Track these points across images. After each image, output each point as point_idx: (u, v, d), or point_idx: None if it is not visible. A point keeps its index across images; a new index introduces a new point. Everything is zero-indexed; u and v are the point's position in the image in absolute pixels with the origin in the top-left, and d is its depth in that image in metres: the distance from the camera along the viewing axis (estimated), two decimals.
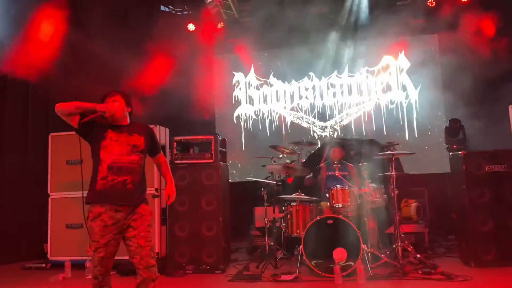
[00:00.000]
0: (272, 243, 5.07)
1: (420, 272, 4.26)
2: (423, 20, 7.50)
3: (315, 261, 4.34)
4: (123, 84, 7.19)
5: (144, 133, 3.27)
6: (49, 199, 5.65)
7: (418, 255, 4.51)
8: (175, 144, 5.31)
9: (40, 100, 6.69)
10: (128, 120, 3.32)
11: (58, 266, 5.19)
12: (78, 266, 5.00)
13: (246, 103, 8.27)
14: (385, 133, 7.56)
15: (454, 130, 6.10)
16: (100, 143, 3.14)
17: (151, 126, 4.88)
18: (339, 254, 4.25)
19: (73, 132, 5.21)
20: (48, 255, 5.58)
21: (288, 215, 4.87)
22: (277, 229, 5.24)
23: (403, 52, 7.70)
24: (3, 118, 6.26)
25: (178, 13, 7.98)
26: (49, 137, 5.78)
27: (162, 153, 3.45)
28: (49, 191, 5.66)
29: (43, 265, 5.48)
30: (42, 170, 5.84)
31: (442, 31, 7.43)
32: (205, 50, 8.15)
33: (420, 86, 7.58)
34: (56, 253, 5.52)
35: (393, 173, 4.60)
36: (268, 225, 5.15)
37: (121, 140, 3.16)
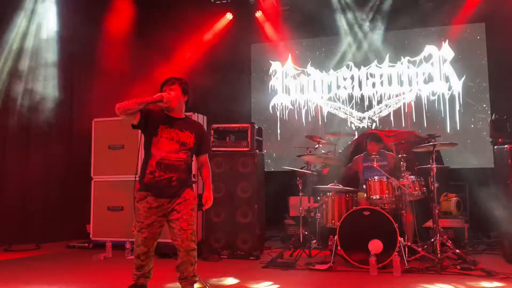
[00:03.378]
0: (306, 232, 5.07)
1: (459, 267, 4.14)
2: (469, 8, 7.17)
3: (350, 252, 4.31)
4: (160, 73, 7.38)
5: (196, 132, 3.33)
6: (92, 182, 5.90)
7: (457, 250, 4.38)
8: (212, 132, 5.39)
9: (84, 86, 6.97)
10: (183, 113, 3.39)
11: (100, 246, 5.44)
12: (119, 247, 5.21)
13: (283, 92, 8.24)
14: (425, 126, 7.35)
15: (500, 123, 5.83)
16: (152, 138, 3.25)
17: (189, 114, 4.99)
18: (374, 245, 4.20)
19: (116, 118, 5.41)
20: (91, 236, 5.84)
21: (324, 205, 4.86)
22: (311, 218, 5.24)
23: (447, 41, 7.41)
24: (52, 106, 6.56)
25: (217, 2, 8.02)
26: (93, 122, 6.00)
27: (207, 156, 3.46)
28: (92, 174, 5.91)
29: (86, 244, 5.76)
30: (86, 154, 6.09)
31: (490, 19, 7.09)
32: (243, 39, 8.18)
33: (464, 77, 7.29)
34: (98, 233, 5.77)
35: (434, 165, 4.48)
36: (303, 215, 5.15)
37: (171, 136, 3.24)
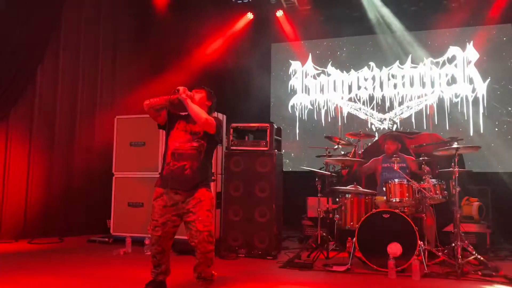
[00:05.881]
0: (324, 234, 5.05)
1: (480, 273, 4.06)
2: (496, 9, 7.02)
3: (368, 254, 4.28)
4: (183, 71, 7.47)
5: None
6: (113, 178, 6.00)
7: (479, 256, 4.30)
8: (231, 131, 5.41)
9: (107, 86, 7.10)
10: None
11: (120, 241, 5.52)
12: (138, 242, 5.29)
13: (302, 92, 8.22)
14: (447, 128, 7.23)
15: None
16: (170, 132, 3.38)
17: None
18: (393, 248, 4.16)
19: (138, 115, 5.52)
20: (111, 231, 5.93)
21: (342, 207, 4.83)
22: (330, 220, 5.21)
23: (471, 42, 7.26)
24: (75, 103, 6.71)
25: (238, 1, 8.05)
26: (115, 119, 6.10)
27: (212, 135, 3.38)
28: (113, 171, 6.01)
29: (106, 239, 5.84)
30: (108, 150, 6.20)
31: None
32: (264, 39, 8.19)
33: (489, 79, 7.13)
34: (118, 229, 5.87)
35: (456, 169, 4.40)
36: (321, 216, 5.13)
37: (186, 128, 3.37)
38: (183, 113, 3.47)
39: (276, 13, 8.04)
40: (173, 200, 3.28)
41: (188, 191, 3.25)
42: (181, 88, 3.31)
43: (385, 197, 4.68)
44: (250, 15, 8.14)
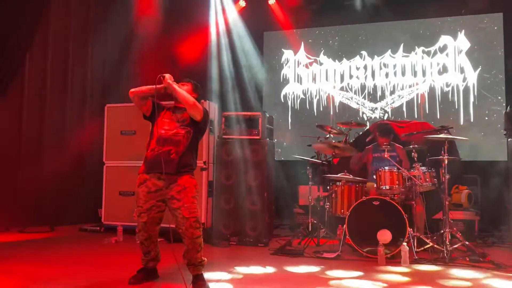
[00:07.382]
0: (315, 221, 5.09)
1: (468, 259, 4.14)
2: None
3: (358, 241, 4.33)
4: (174, 60, 7.41)
5: None
6: (104, 167, 5.97)
7: (467, 242, 4.37)
8: (223, 119, 5.41)
9: (97, 73, 7.04)
10: None
11: (111, 230, 5.54)
12: (129, 231, 5.27)
13: (295, 81, 8.20)
14: (438, 117, 7.26)
15: None
16: (156, 119, 3.38)
17: (202, 101, 5.02)
18: (383, 235, 4.21)
19: (128, 104, 5.48)
20: (102, 220, 5.93)
21: (333, 194, 4.87)
22: (320, 208, 5.25)
23: (463, 31, 7.28)
24: (65, 90, 6.65)
25: None
26: (105, 108, 6.06)
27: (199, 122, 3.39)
28: (104, 159, 5.98)
29: (98, 228, 5.86)
30: (98, 139, 6.16)
31: (508, 9, 6.94)
32: (256, 27, 8.13)
33: (479, 68, 7.17)
34: (109, 218, 5.86)
35: (445, 157, 4.44)
36: (312, 203, 5.17)
37: (172, 117, 3.38)
38: (169, 104, 3.47)
39: (268, 1, 7.97)
40: (156, 186, 3.27)
41: (172, 174, 3.24)
42: (166, 75, 3.29)
43: (375, 185, 4.72)
44: (242, 3, 8.07)
